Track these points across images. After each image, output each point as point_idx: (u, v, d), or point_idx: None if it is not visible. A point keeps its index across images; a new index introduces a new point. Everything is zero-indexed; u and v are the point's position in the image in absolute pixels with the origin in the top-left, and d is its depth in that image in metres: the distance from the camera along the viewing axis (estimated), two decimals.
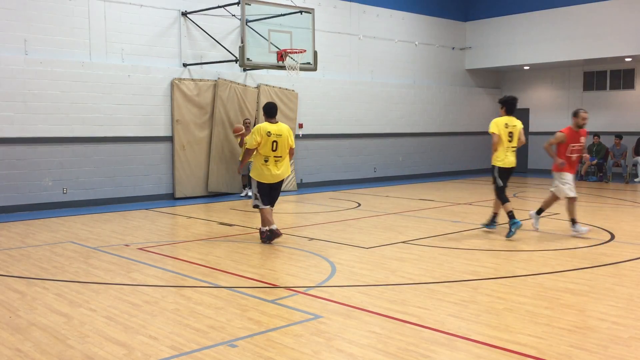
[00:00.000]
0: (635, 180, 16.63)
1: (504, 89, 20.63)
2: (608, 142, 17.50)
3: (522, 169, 19.90)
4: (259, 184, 7.98)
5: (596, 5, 16.68)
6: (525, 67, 19.32)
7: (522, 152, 17.35)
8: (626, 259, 6.95)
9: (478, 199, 12.93)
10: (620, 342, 4.27)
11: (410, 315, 4.91)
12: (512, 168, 8.57)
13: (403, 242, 8.10)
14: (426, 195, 13.64)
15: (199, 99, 13.17)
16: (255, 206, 8.11)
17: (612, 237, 8.35)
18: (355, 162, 16.55)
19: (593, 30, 16.65)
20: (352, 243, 8.02)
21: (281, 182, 8.16)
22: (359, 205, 12.01)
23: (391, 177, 17.54)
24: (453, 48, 19.24)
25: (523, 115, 19.90)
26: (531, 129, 19.60)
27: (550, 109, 19.64)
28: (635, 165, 16.82)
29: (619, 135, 17.28)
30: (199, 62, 13.25)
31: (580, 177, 17.20)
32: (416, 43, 18.03)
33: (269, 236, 7.99)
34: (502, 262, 6.81)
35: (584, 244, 7.84)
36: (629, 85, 18.00)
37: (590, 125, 18.46)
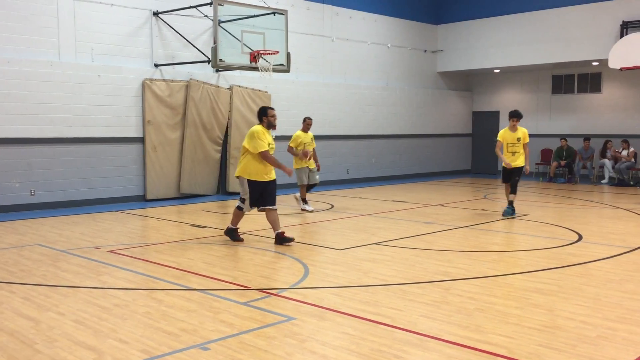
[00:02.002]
0: (602, 182, 16.98)
1: (475, 91, 20.90)
2: (576, 144, 17.85)
3: (494, 170, 20.18)
4: (257, 184, 7.90)
5: (565, 9, 17.00)
6: (496, 70, 19.59)
7: (493, 155, 17.60)
8: (593, 259, 7.09)
9: (450, 200, 13.06)
10: (588, 341, 4.35)
11: (382, 316, 4.93)
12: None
13: (376, 243, 8.14)
14: (399, 197, 13.73)
15: (170, 100, 13.04)
16: (240, 208, 8.09)
17: (580, 237, 8.51)
18: (328, 164, 16.57)
19: (562, 34, 16.97)
20: (325, 245, 8.03)
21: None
22: (332, 206, 12.03)
23: (364, 178, 17.62)
24: (425, 51, 19.41)
25: (493, 118, 20.21)
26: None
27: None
28: (602, 167, 17.18)
29: (587, 138, 17.63)
30: (171, 62, 13.13)
31: (549, 179, 17.51)
32: (389, 45, 18.15)
33: (232, 233, 8.28)
34: (473, 263, 6.89)
35: (553, 245, 7.97)
36: (596, 88, 18.39)
37: (559, 128, 18.88)
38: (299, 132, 11.51)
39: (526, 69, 19.02)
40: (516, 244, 8.16)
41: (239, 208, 8.08)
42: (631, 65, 15.17)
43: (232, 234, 8.27)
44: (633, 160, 16.49)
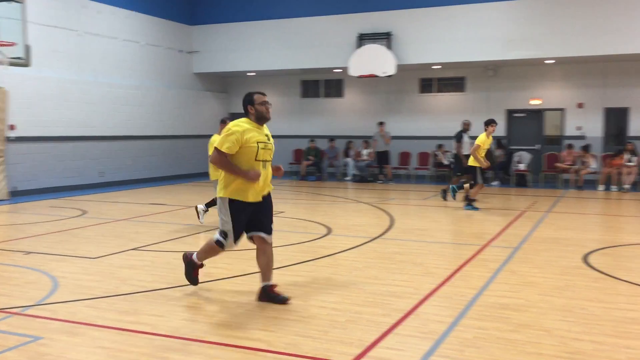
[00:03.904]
0: (346, 178, 18.64)
1: (232, 93, 21.32)
2: (324, 145, 19.32)
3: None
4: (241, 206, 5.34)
5: (311, 19, 18.23)
6: (251, 74, 20.23)
7: None
8: (341, 250, 7.74)
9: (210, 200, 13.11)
10: (339, 326, 4.73)
11: (143, 324, 4.75)
12: None
13: (134, 249, 7.81)
14: (158, 199, 13.37)
15: None
16: (220, 243, 5.46)
17: (329, 230, 9.23)
18: (78, 167, 15.44)
19: (309, 42, 18.18)
20: (77, 254, 7.46)
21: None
22: (84, 212, 11.23)
23: (120, 181, 16.79)
24: (180, 51, 19.20)
25: None
26: None
27: (272, 115, 20.85)
28: (345, 165, 18.86)
29: (332, 139, 19.20)
30: None
31: (301, 177, 18.66)
32: (142, 43, 17.56)
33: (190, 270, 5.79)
34: (235, 262, 7.02)
35: (306, 239, 8.51)
36: (339, 94, 20.13)
37: (308, 130, 20.20)
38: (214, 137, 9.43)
39: (278, 73, 19.97)
40: (274, 240, 8.53)
41: (218, 243, 5.45)
42: (366, 73, 16.95)
43: (190, 272, 5.76)
44: (371, 159, 18.43)
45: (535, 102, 17.79)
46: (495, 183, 17.11)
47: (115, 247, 7.92)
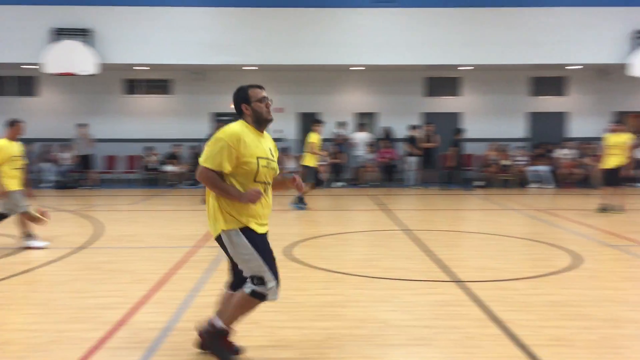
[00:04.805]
0: (42, 185, 17.05)
1: None
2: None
3: None
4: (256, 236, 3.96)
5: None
6: None
7: None
8: (40, 264, 7.03)
9: None
10: (40, 349, 4.28)
11: None
12: None
13: None
14: None
15: None
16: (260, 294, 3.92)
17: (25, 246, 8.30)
18: None
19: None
20: None
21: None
22: None
23: None
24: None
25: None
26: None
27: None
28: (41, 171, 17.22)
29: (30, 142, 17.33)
30: None
31: None
32: None
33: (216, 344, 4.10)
34: None
35: None
36: (33, 92, 18.32)
37: None
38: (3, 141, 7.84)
39: None
40: None
41: (257, 295, 3.91)
42: (64, 71, 15.71)
43: (217, 347, 4.09)
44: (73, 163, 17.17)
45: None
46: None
47: None
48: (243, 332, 4.56)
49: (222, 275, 6.45)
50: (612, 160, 11.33)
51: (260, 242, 3.88)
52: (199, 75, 18.28)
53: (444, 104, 18.92)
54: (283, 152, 17.25)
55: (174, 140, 18.04)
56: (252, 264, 3.85)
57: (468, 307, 5.21)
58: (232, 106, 4.04)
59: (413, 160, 17.47)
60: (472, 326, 4.76)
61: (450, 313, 5.09)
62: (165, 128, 18.51)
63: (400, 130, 18.05)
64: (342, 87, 18.87)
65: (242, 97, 4.02)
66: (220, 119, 7.81)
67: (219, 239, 3.96)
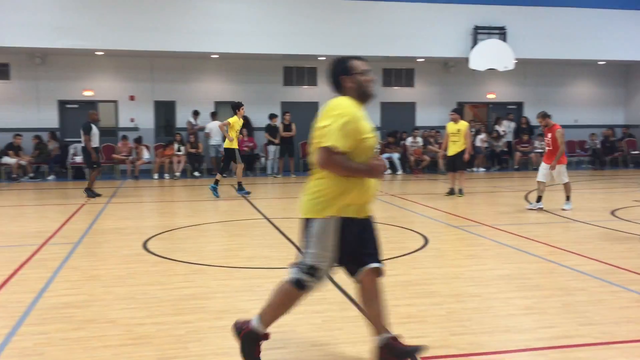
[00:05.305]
0: None
1: None
2: None
3: None
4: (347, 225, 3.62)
5: None
6: None
7: None
8: None
9: None
10: None
11: None
12: None
13: None
14: None
15: None
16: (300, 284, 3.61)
17: None
18: None
19: None
20: None
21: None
22: None
23: None
24: None
25: None
26: None
27: None
28: None
29: None
30: None
31: None
32: None
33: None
34: None
35: None
36: None
37: None
38: None
39: None
40: None
41: (299, 284, 3.61)
42: None
43: (249, 346, 3.75)
44: None
45: (88, 94, 17.58)
46: (50, 177, 16.35)
47: None
48: (98, 333, 4.33)
49: (73, 273, 6.06)
50: (454, 147, 12.21)
51: (346, 236, 3.59)
52: (39, 60, 16.89)
53: (304, 93, 19.21)
54: (137, 142, 16.55)
55: (15, 129, 16.61)
56: (319, 257, 3.57)
57: (330, 292, 5.36)
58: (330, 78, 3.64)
59: (272, 149, 17.59)
60: (333, 310, 4.90)
61: (311, 298, 5.20)
62: (3, 116, 16.96)
63: (261, 120, 18.06)
64: (200, 76, 18.44)
65: (342, 68, 3.60)
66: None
67: (308, 222, 3.58)
